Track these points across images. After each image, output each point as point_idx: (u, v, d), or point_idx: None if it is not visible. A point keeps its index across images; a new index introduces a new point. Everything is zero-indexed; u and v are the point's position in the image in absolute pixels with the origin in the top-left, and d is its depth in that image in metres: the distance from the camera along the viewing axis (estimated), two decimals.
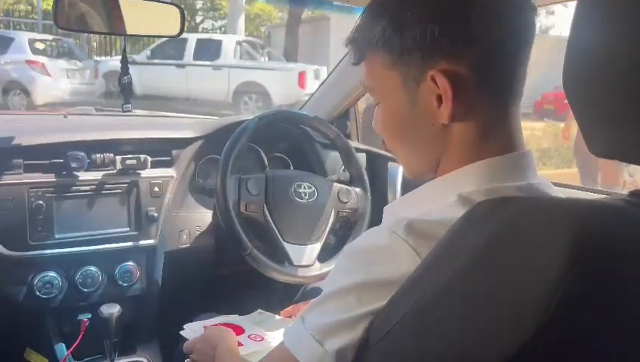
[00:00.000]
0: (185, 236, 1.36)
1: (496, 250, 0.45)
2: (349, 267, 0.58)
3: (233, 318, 1.14)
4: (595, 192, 1.13)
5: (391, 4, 0.60)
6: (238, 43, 9.28)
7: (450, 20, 0.56)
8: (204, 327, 1.06)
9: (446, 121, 0.58)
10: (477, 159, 0.59)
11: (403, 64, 0.59)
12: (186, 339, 1.08)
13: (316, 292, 1.28)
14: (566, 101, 0.50)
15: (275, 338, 1.04)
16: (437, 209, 0.57)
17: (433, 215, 0.56)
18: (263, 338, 1.06)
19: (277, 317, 1.20)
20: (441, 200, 0.58)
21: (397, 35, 0.58)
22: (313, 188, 1.31)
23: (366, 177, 1.38)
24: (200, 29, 13.33)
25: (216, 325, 1.09)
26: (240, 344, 1.01)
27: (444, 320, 0.47)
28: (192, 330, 1.07)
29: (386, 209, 0.68)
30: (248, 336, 1.06)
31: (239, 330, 1.08)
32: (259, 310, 1.22)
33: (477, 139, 0.59)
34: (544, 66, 2.39)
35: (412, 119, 0.61)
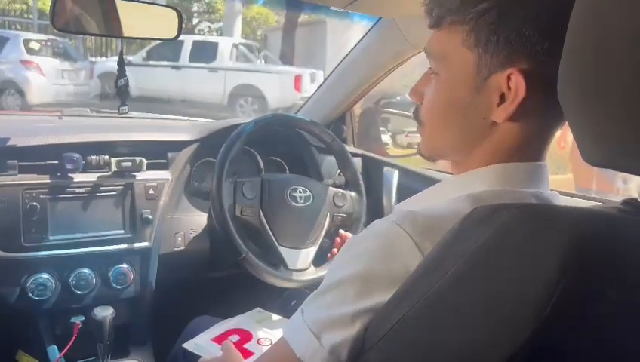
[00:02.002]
0: (179, 239, 1.36)
1: (492, 253, 0.46)
2: (350, 257, 0.58)
3: (236, 321, 1.14)
4: (590, 200, 1.14)
5: None
6: (235, 45, 9.27)
7: (549, 26, 0.53)
8: (211, 340, 1.05)
9: (500, 120, 0.57)
10: (501, 162, 0.59)
11: (485, 51, 0.56)
12: (181, 343, 1.07)
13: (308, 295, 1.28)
14: None
15: None
16: (443, 203, 0.58)
17: (439, 209, 0.57)
18: (271, 342, 1.06)
19: (274, 316, 1.20)
20: (451, 197, 0.58)
21: (496, 23, 0.55)
22: (309, 192, 1.31)
23: (361, 181, 1.38)
24: (196, 31, 13.32)
25: (224, 333, 1.08)
26: (251, 352, 1.01)
27: (443, 322, 0.48)
28: (197, 344, 1.06)
29: (397, 206, 0.67)
30: (257, 341, 1.06)
31: (248, 336, 1.07)
32: (257, 308, 1.22)
33: (514, 145, 0.59)
34: None
35: (466, 104, 0.59)
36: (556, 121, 0.60)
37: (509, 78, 0.55)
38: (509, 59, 0.55)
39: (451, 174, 0.67)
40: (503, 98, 0.56)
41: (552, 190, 0.63)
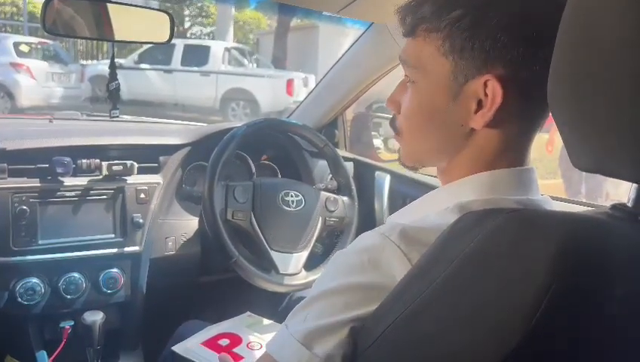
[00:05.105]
0: (170, 243, 1.35)
1: (482, 258, 0.46)
2: (338, 270, 0.57)
3: (226, 325, 1.14)
4: (580, 205, 1.15)
5: None
6: (227, 49, 9.26)
7: (525, 34, 0.54)
8: (201, 344, 1.05)
9: (478, 127, 0.58)
10: (486, 169, 0.59)
11: (461, 57, 0.57)
12: (171, 348, 1.07)
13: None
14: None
15: None
16: (432, 215, 0.58)
17: (427, 221, 0.57)
18: (261, 346, 1.05)
19: (265, 321, 1.20)
20: (441, 208, 0.58)
21: (471, 30, 0.55)
22: (300, 196, 1.31)
23: (353, 186, 1.38)
24: (188, 35, 13.29)
25: (214, 337, 1.08)
26: (240, 357, 1.01)
27: (430, 330, 0.48)
28: (187, 348, 1.05)
29: (388, 219, 0.68)
30: (247, 345, 1.05)
31: (237, 340, 1.07)
32: (248, 312, 1.22)
33: (496, 150, 0.59)
34: None
35: (444, 112, 0.59)
36: (534, 125, 0.61)
37: (485, 84, 0.56)
38: (484, 66, 0.56)
39: None
40: (480, 104, 0.57)
41: (542, 195, 0.63)
